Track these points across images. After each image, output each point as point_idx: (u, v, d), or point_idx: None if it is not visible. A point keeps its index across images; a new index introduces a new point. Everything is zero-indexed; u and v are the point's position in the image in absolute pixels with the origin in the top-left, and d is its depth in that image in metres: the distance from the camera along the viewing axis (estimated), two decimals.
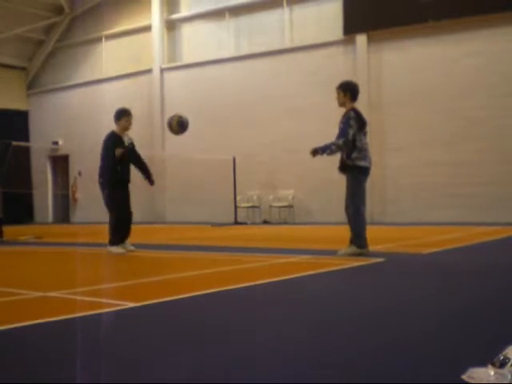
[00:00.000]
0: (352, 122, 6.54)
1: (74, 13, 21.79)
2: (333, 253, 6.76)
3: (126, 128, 7.86)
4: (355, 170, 6.61)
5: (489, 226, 12.23)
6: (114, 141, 7.70)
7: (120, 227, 7.69)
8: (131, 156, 7.92)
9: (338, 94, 6.76)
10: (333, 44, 16.51)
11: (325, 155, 6.62)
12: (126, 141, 7.87)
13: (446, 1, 14.70)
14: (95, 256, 7.54)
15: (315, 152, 6.63)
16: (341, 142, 6.50)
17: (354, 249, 6.58)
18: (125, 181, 7.83)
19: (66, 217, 22.17)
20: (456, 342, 2.73)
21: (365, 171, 6.69)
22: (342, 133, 6.54)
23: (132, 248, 7.82)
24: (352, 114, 6.60)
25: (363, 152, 6.62)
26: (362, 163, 6.61)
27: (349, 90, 6.74)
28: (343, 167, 6.67)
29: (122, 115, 7.84)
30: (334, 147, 6.57)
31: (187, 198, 18.75)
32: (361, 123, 6.65)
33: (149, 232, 13.77)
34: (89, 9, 21.40)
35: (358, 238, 6.58)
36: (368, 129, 6.90)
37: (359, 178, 6.64)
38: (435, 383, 2.14)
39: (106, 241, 7.80)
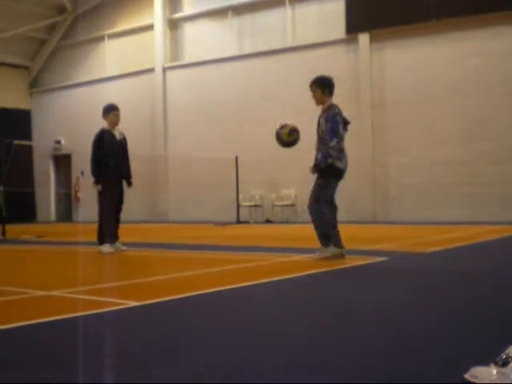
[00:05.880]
0: (339, 119, 6.16)
1: (77, 12, 21.79)
2: None
3: (116, 122, 7.85)
4: (330, 171, 6.09)
5: (492, 225, 12.20)
6: (100, 140, 7.64)
7: (106, 226, 7.60)
8: (123, 150, 7.89)
9: (315, 91, 6.34)
10: (335, 43, 16.48)
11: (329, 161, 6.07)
12: (118, 135, 7.86)
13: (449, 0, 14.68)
14: (97, 255, 7.53)
15: (316, 168, 6.12)
16: (335, 142, 6.04)
17: (332, 249, 6.11)
18: (118, 176, 7.72)
19: (68, 216, 22.19)
20: (458, 340, 2.73)
21: (339, 174, 6.19)
22: (334, 131, 6.06)
23: (123, 248, 7.73)
24: (337, 110, 6.21)
25: (341, 153, 6.13)
26: (338, 164, 6.10)
27: (326, 86, 6.35)
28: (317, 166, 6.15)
29: (110, 110, 7.85)
30: (331, 151, 6.05)
31: (190, 197, 18.74)
32: (344, 121, 6.26)
33: (151, 231, 13.79)
34: (91, 8, 21.40)
35: (325, 238, 6.12)
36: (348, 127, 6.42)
37: (331, 179, 6.16)
38: (437, 383, 2.13)
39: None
